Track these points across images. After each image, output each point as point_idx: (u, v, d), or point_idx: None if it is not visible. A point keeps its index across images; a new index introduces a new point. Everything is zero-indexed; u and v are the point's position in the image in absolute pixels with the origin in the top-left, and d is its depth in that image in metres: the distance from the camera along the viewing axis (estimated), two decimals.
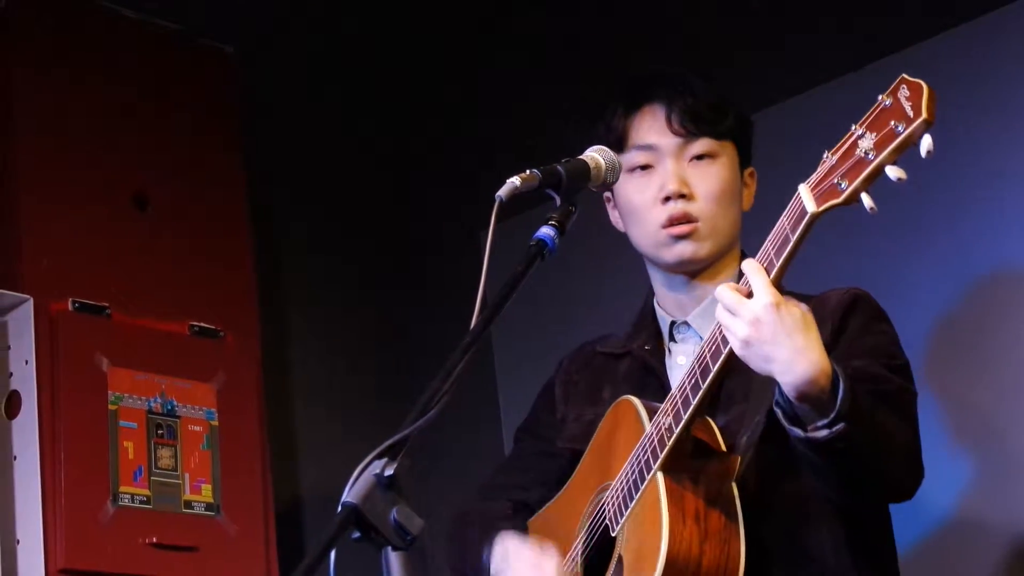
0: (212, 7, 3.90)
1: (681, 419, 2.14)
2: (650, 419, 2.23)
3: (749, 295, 2.04)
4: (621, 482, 2.25)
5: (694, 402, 2.13)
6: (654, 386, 2.42)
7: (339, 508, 1.69)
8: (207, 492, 3.47)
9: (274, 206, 4.06)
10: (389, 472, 1.70)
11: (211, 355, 3.57)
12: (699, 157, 2.43)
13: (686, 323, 2.48)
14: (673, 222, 2.41)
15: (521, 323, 3.77)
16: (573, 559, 2.35)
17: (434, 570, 2.72)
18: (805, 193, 2.00)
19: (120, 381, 3.38)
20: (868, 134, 1.93)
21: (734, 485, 2.19)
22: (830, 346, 2.17)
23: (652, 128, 2.45)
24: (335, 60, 4.24)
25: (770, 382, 2.11)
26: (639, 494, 2.19)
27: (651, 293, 2.56)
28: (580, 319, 3.64)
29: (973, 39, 3.25)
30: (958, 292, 3.20)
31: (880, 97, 1.94)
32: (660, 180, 2.43)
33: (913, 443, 2.25)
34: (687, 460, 2.17)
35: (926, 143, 1.88)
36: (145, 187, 3.58)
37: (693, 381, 2.14)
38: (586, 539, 2.33)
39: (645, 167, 2.44)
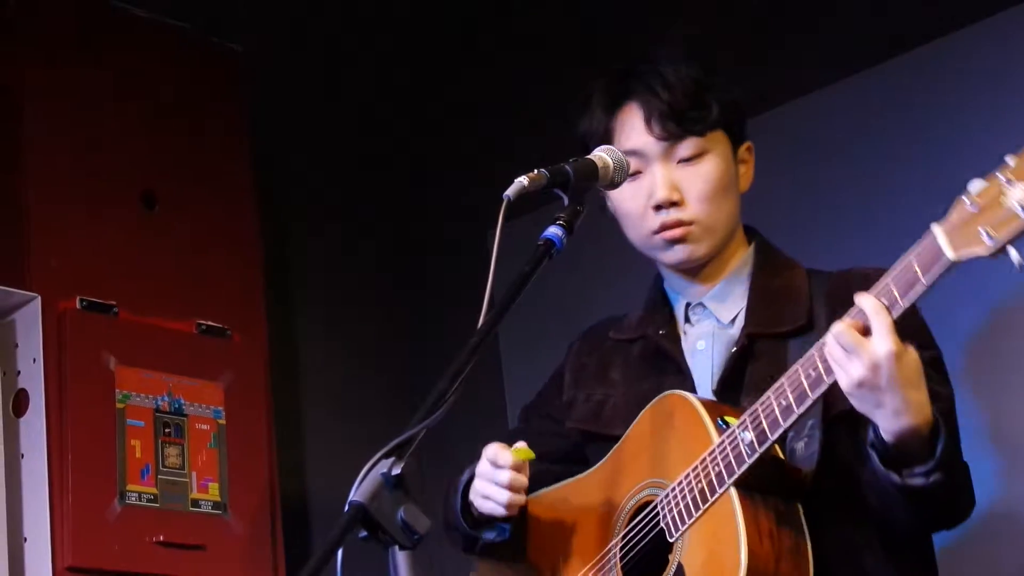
0: (221, 6, 3.90)
1: (767, 440, 2.09)
2: (714, 423, 2.18)
3: (864, 331, 1.98)
4: (683, 488, 2.18)
5: (784, 425, 2.07)
6: (671, 370, 2.38)
7: (346, 507, 1.69)
8: (214, 491, 3.47)
9: (282, 205, 4.07)
10: (396, 471, 1.70)
11: (218, 354, 3.58)
12: (687, 159, 2.37)
13: (702, 304, 2.43)
14: (665, 227, 2.37)
15: (529, 323, 3.77)
16: (612, 553, 2.32)
17: (439, 569, 2.72)
18: (941, 237, 1.88)
19: (127, 379, 3.38)
20: (1019, 184, 1.80)
21: (799, 503, 2.14)
22: None
23: (634, 131, 2.39)
24: (342, 60, 4.24)
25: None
26: (707, 505, 2.14)
27: (659, 276, 2.52)
28: (588, 319, 3.63)
29: (989, 36, 3.24)
30: (970, 289, 3.19)
31: None
32: (649, 187, 2.38)
33: (966, 466, 2.21)
34: (759, 474, 2.12)
35: None
36: (153, 186, 3.59)
37: (785, 404, 2.07)
38: (631, 536, 2.29)
39: (634, 173, 2.36)
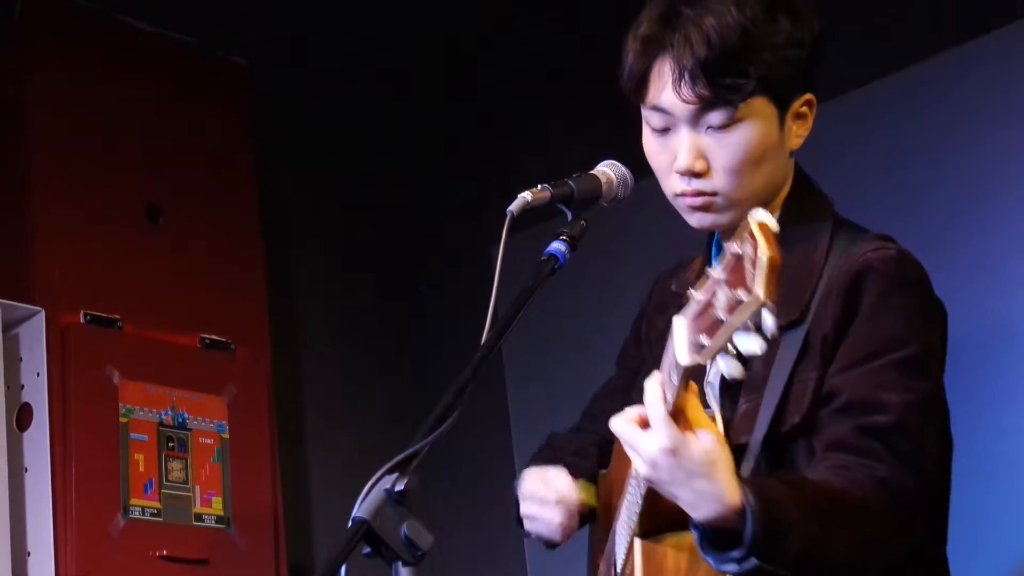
0: (225, 21, 3.91)
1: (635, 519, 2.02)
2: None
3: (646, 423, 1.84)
4: (619, 524, 2.13)
5: (639, 511, 2.00)
6: None
7: (350, 523, 1.69)
8: (218, 505, 3.47)
9: (286, 219, 4.07)
10: (399, 487, 1.70)
11: (222, 368, 3.58)
12: (717, 126, 2.11)
13: None
14: (687, 195, 2.16)
15: (532, 339, 3.77)
16: (612, 562, 2.29)
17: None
18: (680, 336, 1.73)
19: (131, 393, 3.39)
20: (725, 286, 1.64)
21: None
22: (834, 336, 2.00)
23: (665, 88, 2.12)
24: (344, 72, 4.25)
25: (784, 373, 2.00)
26: (626, 553, 2.08)
27: None
28: (591, 334, 3.64)
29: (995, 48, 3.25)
30: (980, 299, 3.19)
31: (736, 244, 1.63)
32: (673, 150, 2.15)
33: (892, 510, 1.97)
34: (662, 512, 1.99)
35: (768, 324, 1.58)
36: (158, 200, 3.59)
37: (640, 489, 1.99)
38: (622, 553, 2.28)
39: (662, 129, 2.16)
